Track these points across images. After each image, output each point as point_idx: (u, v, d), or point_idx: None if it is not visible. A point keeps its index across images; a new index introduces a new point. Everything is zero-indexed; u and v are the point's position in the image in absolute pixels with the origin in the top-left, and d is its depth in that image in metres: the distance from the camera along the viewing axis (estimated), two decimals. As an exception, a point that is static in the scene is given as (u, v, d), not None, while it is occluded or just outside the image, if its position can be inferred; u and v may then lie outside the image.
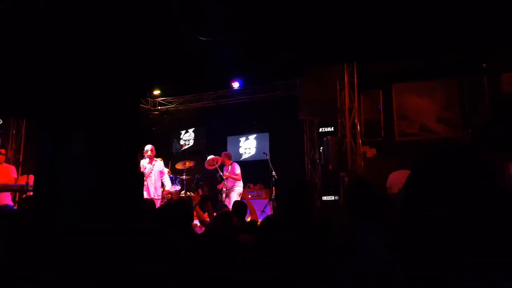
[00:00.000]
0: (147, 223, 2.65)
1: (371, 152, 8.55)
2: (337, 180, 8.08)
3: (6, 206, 6.64)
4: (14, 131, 9.45)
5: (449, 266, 0.63)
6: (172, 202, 2.88)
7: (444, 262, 0.63)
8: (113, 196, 2.66)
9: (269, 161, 8.15)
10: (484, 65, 7.28)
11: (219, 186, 8.10)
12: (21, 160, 9.10)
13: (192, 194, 9.25)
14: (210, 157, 8.64)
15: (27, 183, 6.48)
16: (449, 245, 0.63)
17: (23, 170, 8.19)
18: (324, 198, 8.14)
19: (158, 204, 6.58)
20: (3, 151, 7.15)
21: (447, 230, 0.63)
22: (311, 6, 4.19)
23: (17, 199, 7.25)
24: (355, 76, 8.34)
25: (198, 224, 7.52)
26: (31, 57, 3.13)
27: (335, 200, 7.93)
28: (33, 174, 5.76)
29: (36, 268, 2.13)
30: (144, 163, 6.98)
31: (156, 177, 7.11)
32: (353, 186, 2.33)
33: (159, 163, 7.26)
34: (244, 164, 9.51)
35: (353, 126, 8.26)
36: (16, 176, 6.89)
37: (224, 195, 7.89)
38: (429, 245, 0.65)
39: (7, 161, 7.25)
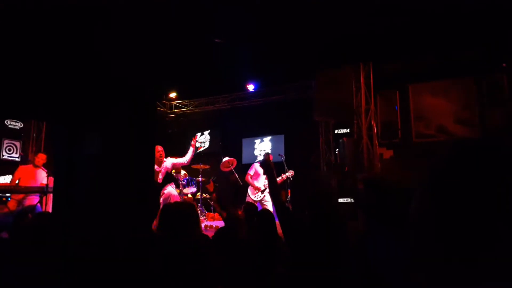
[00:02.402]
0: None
1: (388, 153, 8.44)
2: (353, 182, 8.00)
3: (33, 206, 6.85)
4: (34, 134, 9.68)
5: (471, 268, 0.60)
6: (177, 203, 2.83)
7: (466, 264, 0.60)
8: (125, 195, 2.69)
9: (285, 163, 8.12)
10: (504, 64, 7.11)
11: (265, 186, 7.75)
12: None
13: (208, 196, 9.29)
14: (226, 159, 8.66)
15: (47, 185, 6.67)
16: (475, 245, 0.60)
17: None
18: (340, 200, 8.07)
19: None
20: (43, 155, 7.37)
21: (474, 229, 0.61)
22: (325, 6, 4.17)
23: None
24: (371, 77, 8.25)
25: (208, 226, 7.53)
26: (48, 58, 3.20)
27: (351, 202, 7.84)
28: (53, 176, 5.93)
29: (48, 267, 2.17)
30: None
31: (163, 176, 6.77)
32: (367, 188, 2.28)
33: (168, 162, 6.99)
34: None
35: (370, 128, 8.17)
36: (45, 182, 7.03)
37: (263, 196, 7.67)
38: (454, 245, 0.62)
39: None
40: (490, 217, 0.58)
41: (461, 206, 0.60)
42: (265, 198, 7.50)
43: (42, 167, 7.26)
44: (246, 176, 7.80)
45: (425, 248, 0.65)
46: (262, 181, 7.59)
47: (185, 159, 6.96)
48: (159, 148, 6.74)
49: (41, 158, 7.33)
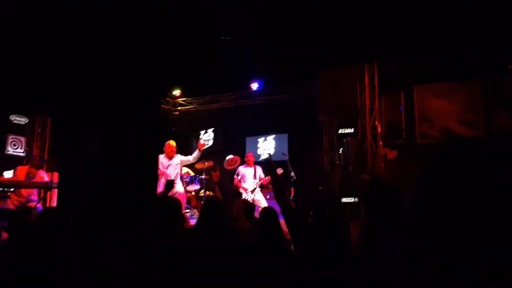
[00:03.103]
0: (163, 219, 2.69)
1: (392, 154, 8.41)
2: (357, 181, 7.98)
3: (31, 201, 6.98)
4: (39, 130, 9.74)
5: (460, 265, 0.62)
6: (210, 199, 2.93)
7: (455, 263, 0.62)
8: (129, 193, 2.71)
9: (288, 162, 8.12)
10: (509, 66, 7.07)
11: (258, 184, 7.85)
12: (45, 157, 9.38)
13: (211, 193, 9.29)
14: (229, 157, 8.67)
15: (51, 180, 6.71)
16: (461, 244, 0.61)
17: (48, 167, 8.44)
18: (344, 200, 8.06)
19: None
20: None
21: (459, 228, 0.62)
22: (330, 6, 4.17)
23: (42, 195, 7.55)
24: (376, 77, 8.23)
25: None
26: (52, 56, 3.22)
27: (354, 202, 7.83)
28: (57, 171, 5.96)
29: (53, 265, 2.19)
30: (161, 159, 6.91)
31: (172, 173, 6.99)
32: (369, 185, 2.30)
33: (177, 158, 7.12)
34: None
35: (374, 128, 8.16)
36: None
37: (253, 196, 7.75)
38: (440, 242, 0.64)
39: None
40: (472, 215, 0.60)
41: (445, 205, 0.62)
42: (256, 197, 7.60)
43: (42, 170, 7.36)
44: (234, 180, 8.00)
45: (416, 244, 0.66)
46: (250, 183, 7.71)
47: (191, 157, 7.17)
48: (171, 142, 6.99)
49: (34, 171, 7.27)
